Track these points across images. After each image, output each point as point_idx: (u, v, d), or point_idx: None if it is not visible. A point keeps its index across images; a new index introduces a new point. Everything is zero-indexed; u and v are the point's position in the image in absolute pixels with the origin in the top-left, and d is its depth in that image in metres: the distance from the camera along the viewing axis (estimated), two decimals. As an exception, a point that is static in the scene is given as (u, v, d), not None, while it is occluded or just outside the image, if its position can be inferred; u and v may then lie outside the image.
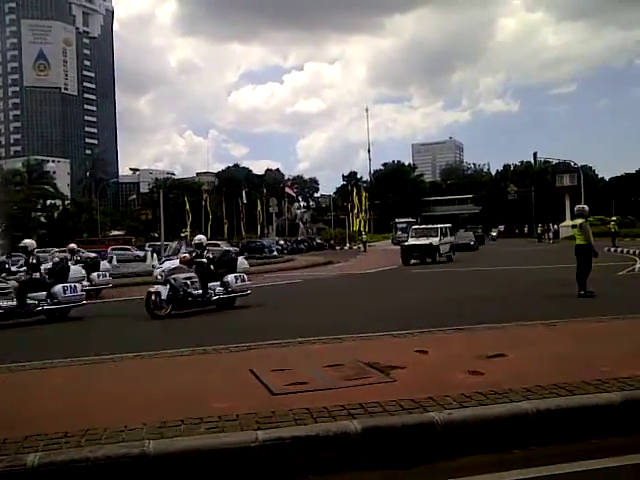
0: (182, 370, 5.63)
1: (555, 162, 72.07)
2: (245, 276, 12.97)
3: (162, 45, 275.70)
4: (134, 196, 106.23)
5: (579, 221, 12.07)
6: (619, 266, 19.55)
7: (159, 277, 11.76)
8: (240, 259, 13.90)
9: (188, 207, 70.09)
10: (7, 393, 5.04)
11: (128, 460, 3.28)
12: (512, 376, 4.64)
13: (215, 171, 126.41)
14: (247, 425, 3.66)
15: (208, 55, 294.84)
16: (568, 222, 47.39)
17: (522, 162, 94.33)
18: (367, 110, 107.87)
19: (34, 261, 12.30)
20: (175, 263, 12.08)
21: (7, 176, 78.92)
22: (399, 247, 30.73)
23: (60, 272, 12.44)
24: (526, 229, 76.89)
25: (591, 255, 11.71)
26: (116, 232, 74.46)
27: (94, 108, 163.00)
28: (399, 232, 63.34)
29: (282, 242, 55.57)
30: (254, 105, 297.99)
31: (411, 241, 28.77)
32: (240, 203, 79.09)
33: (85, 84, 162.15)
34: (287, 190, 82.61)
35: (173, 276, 11.64)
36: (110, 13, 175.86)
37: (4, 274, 12.18)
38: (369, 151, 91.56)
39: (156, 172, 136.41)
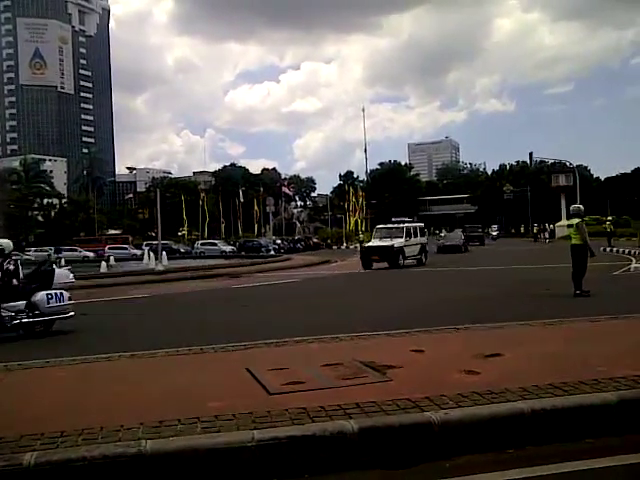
0: (179, 369, 5.63)
1: (551, 162, 72.30)
2: (65, 294, 9.77)
3: (159, 44, 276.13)
4: (131, 195, 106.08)
5: (575, 221, 12.10)
6: (615, 266, 19.60)
7: None
8: (60, 271, 10.79)
9: (184, 206, 70.05)
10: (4, 392, 5.02)
11: (125, 459, 3.29)
12: (508, 376, 4.66)
13: (212, 170, 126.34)
14: (243, 425, 3.66)
15: (205, 54, 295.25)
16: (564, 222, 47.44)
17: (518, 162, 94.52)
18: (363, 110, 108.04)
19: None
20: None
21: (4, 175, 78.82)
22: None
23: None
24: (522, 229, 77.13)
25: (587, 255, 11.74)
26: (113, 231, 74.44)
27: (91, 107, 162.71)
28: None
29: (279, 241, 55.67)
30: (251, 104, 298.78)
31: (373, 242, 25.61)
32: (237, 202, 79.04)
33: (81, 83, 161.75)
34: (284, 189, 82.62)
35: None
36: (106, 12, 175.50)
37: None
38: (365, 151, 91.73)
39: (153, 171, 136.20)
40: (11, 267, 9.51)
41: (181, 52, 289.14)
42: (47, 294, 9.53)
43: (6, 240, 10.23)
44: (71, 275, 11.24)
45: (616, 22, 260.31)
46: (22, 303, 9.38)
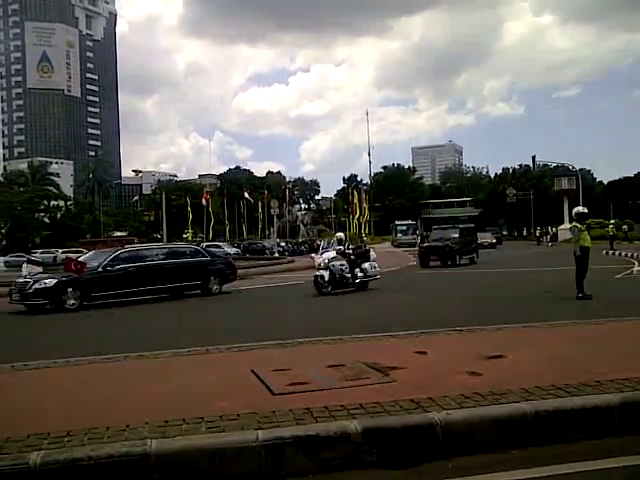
0: (184, 370, 5.67)
1: (554, 165, 72.14)
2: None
3: (169, 47, 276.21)
4: (137, 198, 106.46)
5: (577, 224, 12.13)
6: (617, 269, 19.57)
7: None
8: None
9: (190, 209, 70.24)
10: (10, 392, 5.07)
11: (130, 459, 3.31)
12: (511, 377, 4.67)
13: (218, 173, 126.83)
14: (248, 425, 3.69)
15: (215, 57, 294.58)
16: (566, 225, 47.38)
17: (521, 165, 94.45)
18: (367, 113, 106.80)
19: None
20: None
21: (11, 177, 79.32)
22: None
23: None
24: (525, 232, 77.00)
25: (587, 258, 11.76)
26: (119, 233, 74.70)
27: (97, 110, 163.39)
28: (399, 234, 63.66)
29: (283, 244, 55.62)
30: (260, 107, 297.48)
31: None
32: (242, 204, 79.26)
33: (88, 86, 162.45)
34: (288, 194, 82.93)
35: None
36: (113, 16, 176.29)
37: None
38: (369, 154, 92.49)
39: (159, 174, 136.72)
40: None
41: (191, 54, 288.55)
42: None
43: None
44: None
45: (627, 24, 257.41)
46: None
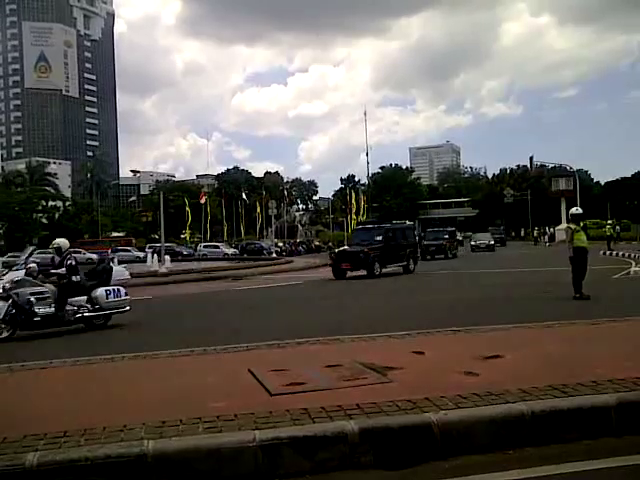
0: (181, 370, 5.67)
1: (551, 166, 72.28)
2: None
3: (167, 47, 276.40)
4: (134, 198, 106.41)
5: (573, 225, 12.17)
6: (614, 269, 19.60)
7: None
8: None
9: (188, 209, 70.14)
10: (7, 392, 5.07)
11: (127, 459, 3.31)
12: (508, 377, 4.67)
13: (216, 173, 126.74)
14: (245, 425, 3.69)
15: (213, 57, 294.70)
16: (564, 225, 47.62)
17: (518, 166, 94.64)
18: (365, 114, 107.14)
19: None
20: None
21: (9, 177, 79.24)
22: None
23: None
24: (522, 232, 77.21)
25: (586, 258, 11.79)
26: (117, 233, 74.68)
27: (95, 110, 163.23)
28: None
29: (281, 244, 55.71)
30: (258, 107, 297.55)
31: None
32: (240, 205, 79.26)
33: (86, 86, 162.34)
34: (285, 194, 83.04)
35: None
36: (111, 16, 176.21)
37: None
38: (367, 154, 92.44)
39: (156, 174, 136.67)
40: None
41: (189, 55, 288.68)
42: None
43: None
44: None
45: (624, 25, 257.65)
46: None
